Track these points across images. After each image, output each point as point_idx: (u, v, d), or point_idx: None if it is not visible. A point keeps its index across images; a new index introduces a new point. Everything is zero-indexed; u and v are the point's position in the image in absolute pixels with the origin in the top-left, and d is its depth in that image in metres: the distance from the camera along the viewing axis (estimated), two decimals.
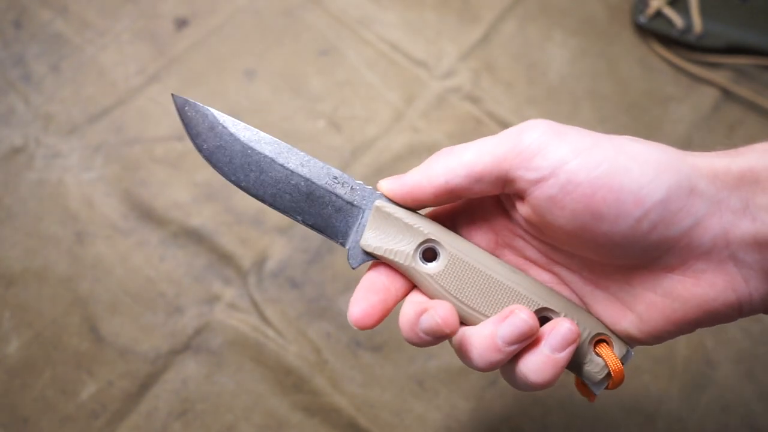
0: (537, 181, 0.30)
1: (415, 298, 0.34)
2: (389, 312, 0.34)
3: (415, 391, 0.50)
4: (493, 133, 0.64)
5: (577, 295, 0.34)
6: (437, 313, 0.31)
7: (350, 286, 0.53)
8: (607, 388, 0.34)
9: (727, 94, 0.63)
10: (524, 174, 0.30)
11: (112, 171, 0.56)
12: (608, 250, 0.31)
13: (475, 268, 0.33)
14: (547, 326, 0.32)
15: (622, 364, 0.33)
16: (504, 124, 0.60)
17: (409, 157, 0.58)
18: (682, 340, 0.52)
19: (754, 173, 0.29)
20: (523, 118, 0.61)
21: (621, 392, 0.50)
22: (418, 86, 0.62)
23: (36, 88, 0.59)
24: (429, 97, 0.62)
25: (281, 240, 0.54)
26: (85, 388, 0.49)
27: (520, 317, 0.31)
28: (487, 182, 0.32)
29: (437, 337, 0.32)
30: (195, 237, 0.54)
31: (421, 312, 0.32)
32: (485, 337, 0.31)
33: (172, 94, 0.36)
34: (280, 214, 0.55)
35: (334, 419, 0.49)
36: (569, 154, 0.29)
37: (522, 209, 0.32)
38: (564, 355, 0.31)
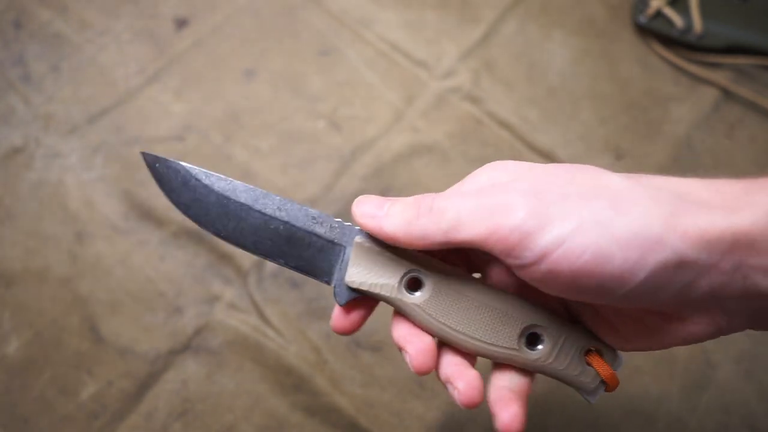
0: (519, 267, 0.30)
1: (399, 332, 0.34)
2: (370, 314, 0.35)
3: (415, 391, 0.50)
4: (493, 133, 0.64)
5: (567, 307, 0.35)
6: (410, 356, 0.33)
7: None
8: (606, 390, 0.34)
9: (727, 94, 0.63)
10: (506, 260, 0.30)
11: (112, 171, 0.56)
12: (598, 305, 0.32)
13: (459, 292, 0.33)
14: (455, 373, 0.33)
15: (614, 369, 0.34)
16: (504, 125, 0.60)
17: (409, 157, 0.58)
18: None
19: (749, 238, 0.28)
20: (524, 119, 0.61)
21: (621, 393, 0.50)
22: (418, 86, 0.62)
23: (36, 88, 0.59)
24: (429, 97, 0.61)
25: None
26: (85, 388, 0.49)
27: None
28: (467, 247, 0.31)
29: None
30: (195, 237, 0.54)
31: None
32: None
33: (142, 153, 0.36)
34: None
35: (334, 419, 0.49)
36: (552, 244, 0.28)
37: (511, 269, 0.32)
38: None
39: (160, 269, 0.53)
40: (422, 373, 0.33)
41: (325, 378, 0.50)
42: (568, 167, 0.31)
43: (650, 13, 0.64)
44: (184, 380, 0.49)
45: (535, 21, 0.66)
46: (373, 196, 0.34)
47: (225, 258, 0.53)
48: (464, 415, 0.49)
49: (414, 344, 0.33)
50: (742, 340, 0.52)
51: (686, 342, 0.31)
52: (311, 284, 0.52)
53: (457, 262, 0.36)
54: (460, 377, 0.33)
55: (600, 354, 0.34)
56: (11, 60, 0.60)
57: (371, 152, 0.59)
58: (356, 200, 0.34)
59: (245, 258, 0.53)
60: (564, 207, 0.29)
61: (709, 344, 0.52)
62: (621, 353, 0.34)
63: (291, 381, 0.50)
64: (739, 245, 0.28)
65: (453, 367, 0.34)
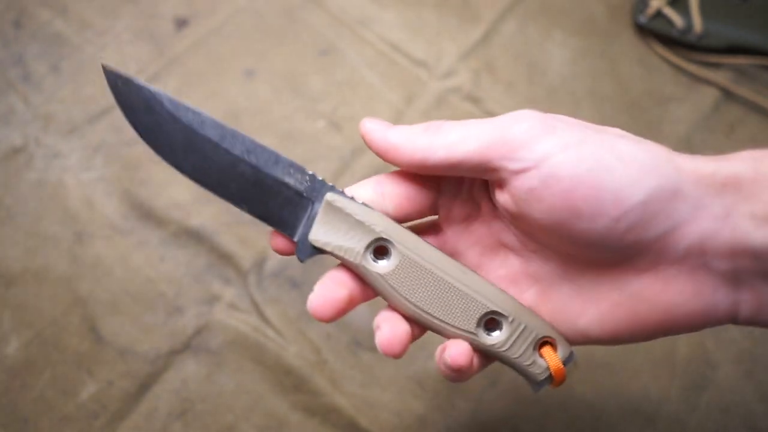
0: (519, 172, 0.30)
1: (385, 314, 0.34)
2: (350, 309, 0.34)
3: (415, 391, 0.50)
4: None
5: (540, 286, 0.34)
6: (382, 333, 0.32)
7: None
8: (551, 385, 0.34)
9: (727, 94, 0.63)
10: (507, 164, 0.30)
11: (112, 171, 0.56)
12: (582, 247, 0.31)
13: (425, 269, 0.33)
14: (444, 345, 0.33)
15: (564, 365, 0.33)
16: None
17: None
18: (682, 340, 0.52)
19: (737, 180, 0.29)
20: None
21: (621, 393, 0.50)
22: (418, 86, 0.62)
23: (36, 88, 0.59)
24: (429, 97, 0.61)
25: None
26: (85, 388, 0.49)
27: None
28: (465, 168, 0.31)
29: (390, 356, 0.32)
30: (195, 237, 0.54)
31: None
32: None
33: (103, 65, 0.33)
34: None
35: (334, 419, 0.49)
36: (555, 147, 0.29)
37: (501, 197, 0.32)
38: (453, 374, 0.33)
39: (160, 269, 0.53)
40: (388, 356, 0.32)
41: (325, 378, 0.50)
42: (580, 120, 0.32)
43: (650, 13, 0.64)
44: (184, 380, 0.49)
45: (535, 21, 0.66)
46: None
47: (225, 258, 0.53)
48: (464, 415, 0.49)
49: (390, 325, 0.33)
50: (742, 340, 0.52)
51: (669, 320, 0.30)
52: (311, 284, 0.52)
53: (458, 211, 0.35)
54: (388, 322, 0.33)
55: (554, 347, 0.33)
56: (11, 60, 0.60)
57: (371, 152, 0.58)
58: (364, 118, 0.34)
59: (245, 258, 0.53)
60: (572, 127, 0.30)
61: (709, 344, 0.52)
62: (574, 350, 0.34)
63: (291, 381, 0.50)
64: (728, 187, 0.29)
65: (387, 313, 0.33)
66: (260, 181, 0.33)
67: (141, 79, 0.33)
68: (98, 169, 0.56)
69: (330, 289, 0.33)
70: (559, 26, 0.66)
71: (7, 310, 0.51)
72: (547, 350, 0.33)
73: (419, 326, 0.34)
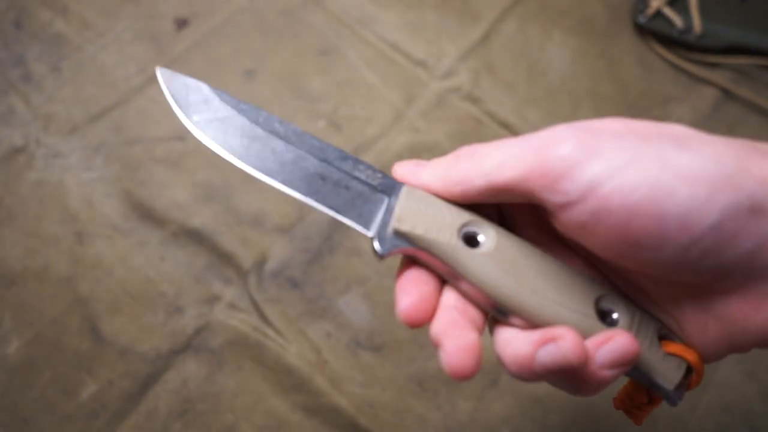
0: (564, 206, 0.26)
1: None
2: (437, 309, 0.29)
3: (415, 391, 0.50)
4: (493, 133, 0.64)
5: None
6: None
7: (350, 286, 0.53)
8: (688, 388, 0.29)
9: (727, 94, 0.63)
10: (549, 197, 0.26)
11: (112, 171, 0.56)
12: (652, 272, 0.26)
13: (529, 247, 0.28)
14: (600, 337, 0.27)
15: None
16: (504, 125, 0.60)
17: (410, 157, 0.58)
18: None
19: None
20: (524, 119, 0.61)
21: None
22: (418, 86, 0.62)
23: (36, 88, 0.59)
24: (429, 97, 0.62)
25: (281, 240, 0.54)
26: (85, 388, 0.49)
27: (568, 347, 0.26)
28: (508, 196, 0.28)
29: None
30: (195, 237, 0.54)
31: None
32: (519, 356, 0.27)
33: (158, 69, 0.33)
34: (280, 214, 0.55)
35: (334, 419, 0.49)
36: (601, 175, 0.24)
37: (555, 224, 0.28)
38: (614, 373, 0.26)
39: (160, 269, 0.53)
40: (460, 378, 0.26)
41: (325, 378, 0.50)
42: (626, 119, 0.27)
43: (650, 13, 0.64)
44: (184, 380, 0.49)
45: (534, 21, 0.66)
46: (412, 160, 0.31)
47: (225, 258, 0.53)
48: (465, 415, 0.49)
49: (454, 339, 0.27)
50: None
51: (765, 342, 0.26)
52: (311, 284, 0.52)
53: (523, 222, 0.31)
54: (449, 337, 0.27)
55: (674, 341, 0.28)
56: (11, 60, 0.60)
57: (371, 152, 0.59)
58: (395, 164, 0.31)
59: (245, 258, 0.53)
60: (619, 143, 0.25)
61: None
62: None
63: (291, 381, 0.50)
64: None
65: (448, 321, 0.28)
66: (329, 174, 0.30)
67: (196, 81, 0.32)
68: (98, 169, 0.56)
69: (418, 290, 0.29)
70: (558, 26, 0.66)
71: (7, 310, 0.51)
72: (674, 345, 0.28)
73: (505, 323, 0.29)
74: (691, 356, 0.27)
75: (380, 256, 0.29)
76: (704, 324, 0.27)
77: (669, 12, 0.64)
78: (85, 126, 0.58)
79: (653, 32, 0.65)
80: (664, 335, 0.28)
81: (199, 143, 0.32)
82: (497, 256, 0.28)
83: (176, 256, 0.53)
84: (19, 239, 0.53)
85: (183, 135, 0.58)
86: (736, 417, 0.50)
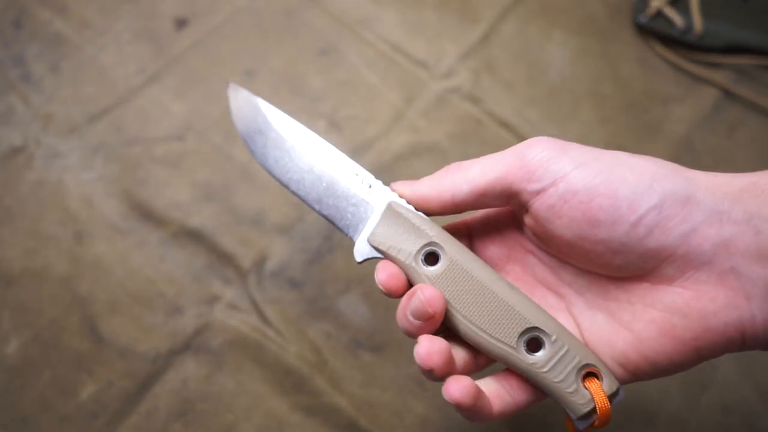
0: (538, 192, 0.32)
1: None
2: (406, 290, 0.35)
3: (415, 391, 0.50)
4: (493, 133, 0.64)
5: (576, 321, 0.35)
6: (423, 293, 0.32)
7: (350, 286, 0.53)
8: (592, 426, 0.33)
9: (727, 94, 0.63)
10: (527, 186, 0.32)
11: (112, 171, 0.56)
12: (607, 259, 0.32)
13: (472, 276, 0.33)
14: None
15: (610, 401, 0.32)
16: (504, 125, 0.60)
17: (410, 157, 0.58)
18: None
19: (757, 186, 0.30)
20: (524, 119, 0.61)
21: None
22: (418, 86, 0.62)
23: (36, 88, 0.59)
24: (429, 97, 0.61)
25: (281, 240, 0.54)
26: (85, 388, 0.48)
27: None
28: (491, 197, 0.33)
29: (425, 320, 0.33)
30: (195, 237, 0.54)
31: (410, 295, 0.33)
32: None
33: (228, 83, 0.41)
34: (279, 214, 0.55)
35: (334, 419, 0.49)
36: (569, 165, 0.31)
37: (527, 220, 0.34)
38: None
39: (160, 269, 0.53)
40: (434, 308, 0.32)
41: (325, 378, 0.50)
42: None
43: (650, 13, 0.64)
44: (184, 380, 0.49)
45: (535, 21, 0.66)
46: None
47: (225, 258, 0.53)
48: None
49: (426, 286, 0.33)
50: None
51: (707, 333, 0.30)
52: (311, 284, 0.52)
53: (492, 253, 0.37)
54: (427, 338, 0.33)
55: (599, 379, 0.32)
56: (11, 60, 0.60)
57: (371, 152, 0.59)
58: (392, 183, 0.36)
59: (245, 258, 0.53)
60: (584, 149, 0.32)
61: None
62: (622, 389, 0.32)
63: (291, 381, 0.50)
64: (748, 192, 0.30)
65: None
66: (333, 186, 0.37)
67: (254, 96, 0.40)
68: (98, 169, 0.56)
69: (390, 268, 0.35)
70: (559, 26, 0.66)
71: (7, 310, 0.51)
72: (592, 383, 0.32)
73: (468, 348, 0.35)
74: (599, 398, 0.31)
75: (358, 262, 0.36)
76: (652, 319, 0.31)
77: (669, 12, 0.64)
78: (85, 126, 0.58)
79: (654, 32, 0.65)
80: (593, 373, 0.32)
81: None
82: (444, 278, 0.34)
83: (176, 256, 0.53)
84: (18, 239, 0.53)
85: (182, 135, 0.58)
86: (736, 417, 0.50)
